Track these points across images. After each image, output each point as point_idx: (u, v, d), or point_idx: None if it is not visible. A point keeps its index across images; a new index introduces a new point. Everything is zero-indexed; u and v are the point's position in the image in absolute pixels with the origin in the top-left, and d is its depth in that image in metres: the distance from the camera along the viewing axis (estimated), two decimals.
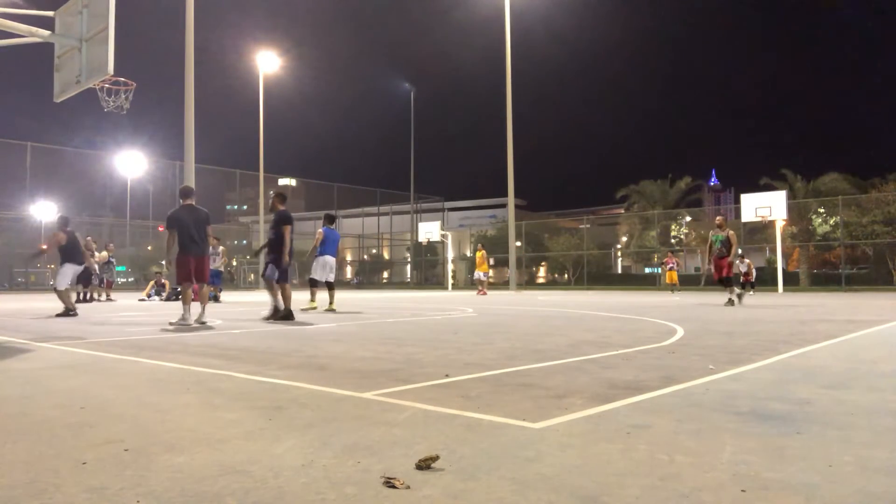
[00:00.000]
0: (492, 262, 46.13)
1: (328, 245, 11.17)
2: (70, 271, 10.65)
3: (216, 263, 16.45)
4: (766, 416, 2.69)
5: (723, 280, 12.97)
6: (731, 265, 12.98)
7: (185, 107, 19.05)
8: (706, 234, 35.81)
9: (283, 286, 8.95)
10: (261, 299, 18.81)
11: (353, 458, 2.10)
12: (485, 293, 22.51)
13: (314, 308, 10.91)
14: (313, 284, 11.22)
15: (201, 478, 1.90)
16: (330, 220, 11.52)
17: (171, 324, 7.76)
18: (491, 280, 24.52)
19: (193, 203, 8.17)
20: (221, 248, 16.36)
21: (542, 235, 42.33)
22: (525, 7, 31.95)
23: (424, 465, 1.98)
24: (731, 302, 12.63)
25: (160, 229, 38.72)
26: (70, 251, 10.62)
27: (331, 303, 11.06)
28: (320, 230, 11.22)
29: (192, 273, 7.96)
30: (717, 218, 13.86)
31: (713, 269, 13.12)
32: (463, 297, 20.43)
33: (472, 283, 44.84)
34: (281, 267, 9.01)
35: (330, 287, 11.21)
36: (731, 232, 12.95)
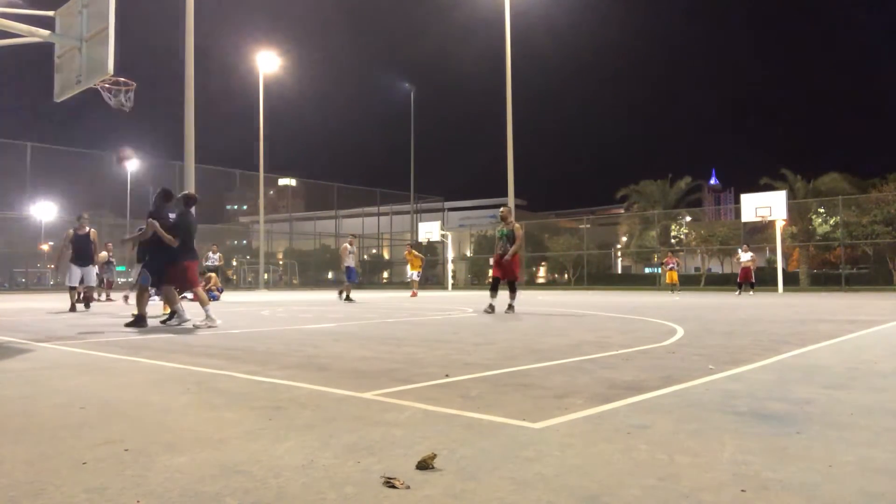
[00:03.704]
0: (492, 261, 46.26)
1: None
2: None
3: (349, 261, 16.84)
4: (766, 416, 2.69)
5: (497, 282, 10.40)
6: (513, 266, 10.39)
7: (185, 107, 19.00)
8: (706, 234, 36.12)
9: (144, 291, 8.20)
10: (262, 299, 18.82)
11: (353, 458, 2.10)
12: (415, 294, 20.68)
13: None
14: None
15: (201, 478, 1.90)
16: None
17: (195, 325, 7.61)
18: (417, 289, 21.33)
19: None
20: (356, 247, 16.84)
21: (542, 235, 42.32)
22: (525, 7, 31.94)
23: (425, 464, 1.98)
24: (511, 308, 10.03)
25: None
26: None
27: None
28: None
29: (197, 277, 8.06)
30: (502, 209, 11.00)
31: (494, 269, 10.60)
32: (463, 297, 20.42)
33: (472, 283, 44.71)
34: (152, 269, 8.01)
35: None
36: (518, 225, 10.54)
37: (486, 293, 11.11)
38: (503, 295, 10.43)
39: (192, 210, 8.26)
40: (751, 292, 22.17)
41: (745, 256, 22.71)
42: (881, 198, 29.38)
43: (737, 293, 21.93)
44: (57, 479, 1.89)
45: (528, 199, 56.27)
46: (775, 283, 25.07)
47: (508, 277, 10.42)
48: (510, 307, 10.14)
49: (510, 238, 10.33)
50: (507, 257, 10.23)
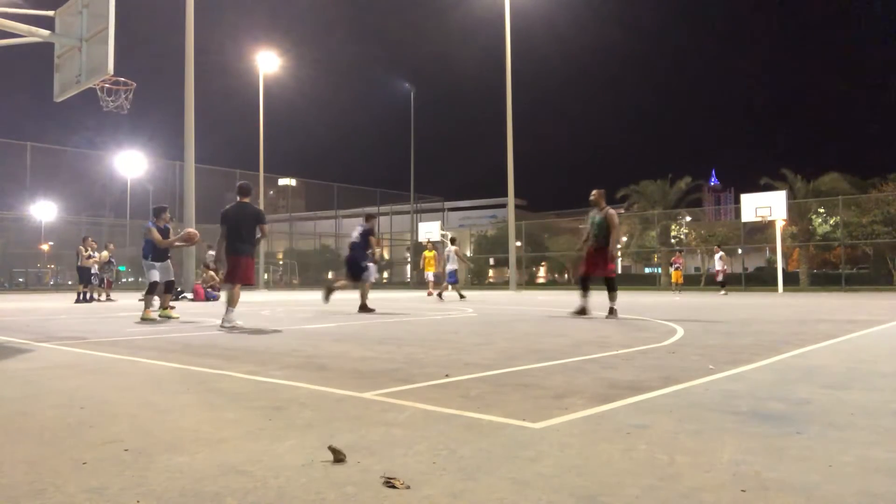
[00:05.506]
0: (492, 262, 46.39)
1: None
2: None
3: (451, 265, 17.09)
4: (766, 416, 2.69)
5: (587, 280, 9.03)
6: (610, 259, 8.93)
7: (185, 107, 19.04)
8: (706, 234, 36.09)
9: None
10: (262, 299, 18.82)
11: (353, 458, 2.10)
12: (431, 293, 20.10)
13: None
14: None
15: (201, 478, 1.90)
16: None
17: (221, 327, 7.39)
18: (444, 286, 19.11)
19: (248, 201, 7.87)
20: (455, 246, 17.48)
21: (542, 235, 42.29)
22: (525, 7, 31.96)
23: (339, 456, 2.05)
24: (612, 312, 8.80)
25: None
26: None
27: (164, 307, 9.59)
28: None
29: (240, 274, 7.70)
30: (594, 192, 9.15)
31: (583, 263, 9.19)
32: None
33: (472, 283, 44.74)
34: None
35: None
36: (612, 211, 9.01)
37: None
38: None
39: (246, 200, 7.80)
40: (722, 292, 22.48)
41: (718, 264, 23.26)
42: (881, 198, 29.39)
43: (723, 293, 22.31)
44: (57, 479, 1.89)
45: (528, 199, 56.28)
46: (775, 283, 25.07)
47: (605, 274, 8.97)
48: (612, 311, 8.79)
49: (602, 227, 8.87)
50: (611, 249, 8.87)
